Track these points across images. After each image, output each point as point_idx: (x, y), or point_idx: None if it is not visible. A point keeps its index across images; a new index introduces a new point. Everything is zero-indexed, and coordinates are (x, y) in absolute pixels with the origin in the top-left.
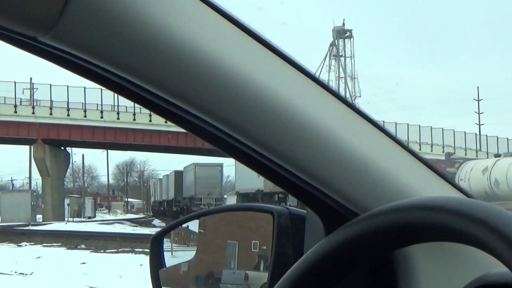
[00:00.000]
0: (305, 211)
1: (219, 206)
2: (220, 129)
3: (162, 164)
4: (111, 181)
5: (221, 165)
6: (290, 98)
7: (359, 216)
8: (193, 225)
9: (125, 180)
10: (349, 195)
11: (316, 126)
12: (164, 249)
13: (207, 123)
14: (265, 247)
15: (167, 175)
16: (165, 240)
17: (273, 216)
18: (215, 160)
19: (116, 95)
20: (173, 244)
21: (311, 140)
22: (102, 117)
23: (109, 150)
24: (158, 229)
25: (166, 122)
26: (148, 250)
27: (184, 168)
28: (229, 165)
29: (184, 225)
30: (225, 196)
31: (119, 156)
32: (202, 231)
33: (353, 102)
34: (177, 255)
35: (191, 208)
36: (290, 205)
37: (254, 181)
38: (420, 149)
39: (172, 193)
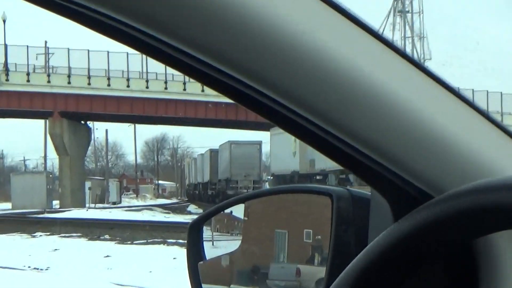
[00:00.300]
0: (369, 193)
1: (267, 188)
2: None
3: (199, 141)
4: (139, 160)
5: (259, 143)
6: (357, 63)
7: (434, 198)
8: (238, 210)
9: (156, 159)
10: (423, 174)
11: (384, 93)
12: (204, 239)
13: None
14: (319, 236)
15: (202, 154)
16: (205, 228)
17: (332, 199)
18: (256, 136)
19: (144, 59)
20: (214, 233)
21: (379, 110)
22: (128, 86)
23: (136, 125)
24: (195, 217)
25: (202, 90)
26: (182, 241)
27: (220, 146)
28: (264, 143)
29: (227, 211)
30: (270, 177)
31: (148, 132)
32: (247, 218)
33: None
34: (218, 246)
35: (227, 191)
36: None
37: (289, 162)
38: (502, 120)
39: (207, 175)
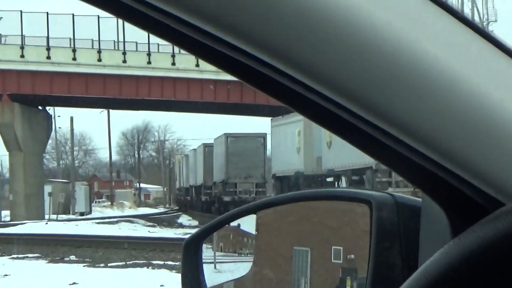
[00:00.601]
0: (419, 199)
1: (283, 195)
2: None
3: (193, 132)
4: (114, 157)
5: (263, 136)
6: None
7: (506, 205)
8: (247, 223)
9: (137, 155)
10: (493, 175)
11: (443, 72)
12: (203, 261)
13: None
14: (353, 256)
15: (195, 150)
16: (204, 246)
17: (370, 207)
18: (267, 125)
19: (120, 24)
20: (216, 253)
21: (437, 94)
22: (100, 60)
23: (111, 110)
24: (188, 231)
25: (197, 65)
26: (172, 263)
27: (214, 140)
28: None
29: (234, 223)
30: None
31: (126, 120)
32: (258, 232)
33: (487, 29)
34: (222, 269)
35: (222, 198)
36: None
37: (292, 160)
38: None
39: (200, 176)
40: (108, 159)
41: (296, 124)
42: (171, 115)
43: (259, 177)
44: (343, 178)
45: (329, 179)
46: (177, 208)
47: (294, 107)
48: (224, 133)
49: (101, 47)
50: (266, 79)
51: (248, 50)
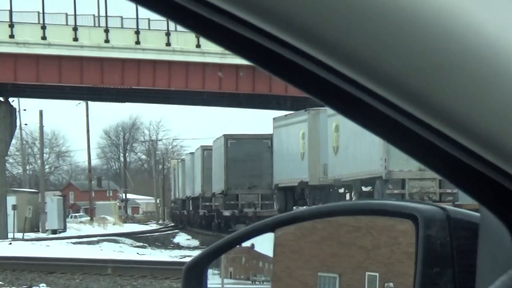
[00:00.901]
0: (478, 214)
1: (306, 209)
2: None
3: (192, 129)
4: (94, 161)
5: (270, 138)
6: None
7: None
8: (263, 243)
9: (122, 159)
10: None
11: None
12: None
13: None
14: (391, 284)
15: (192, 154)
16: (210, 272)
17: (416, 224)
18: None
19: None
20: (225, 280)
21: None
22: (76, 39)
23: (90, 103)
24: (187, 253)
25: (198, 45)
26: None
27: (213, 143)
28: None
29: (246, 243)
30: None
31: (110, 114)
32: (276, 254)
33: None
34: None
35: (221, 212)
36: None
37: (296, 168)
38: None
39: (198, 186)
40: (86, 163)
41: (299, 125)
42: (166, 108)
43: (265, 187)
44: (353, 188)
45: (340, 191)
46: (172, 224)
47: (329, 101)
48: (224, 134)
49: (78, 23)
50: (295, 69)
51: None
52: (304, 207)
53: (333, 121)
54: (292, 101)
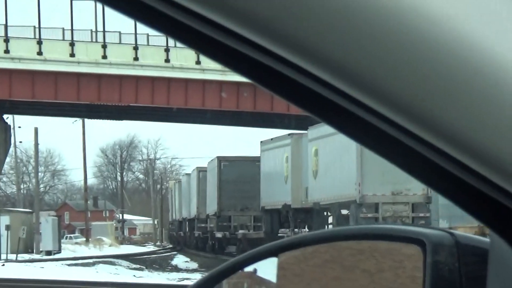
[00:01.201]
0: (487, 239)
1: (310, 233)
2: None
3: (192, 148)
4: (91, 180)
5: (257, 160)
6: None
7: None
8: (266, 268)
9: (119, 178)
10: None
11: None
12: None
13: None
14: None
15: (189, 175)
16: None
17: (424, 249)
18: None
19: (98, 6)
20: None
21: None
22: (73, 54)
23: (87, 120)
24: (186, 276)
25: (198, 62)
26: None
27: (208, 164)
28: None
29: (248, 268)
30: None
31: (107, 132)
32: (280, 280)
33: None
34: None
35: (214, 233)
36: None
37: (280, 191)
38: None
39: (194, 207)
40: (82, 182)
41: (283, 149)
42: (164, 126)
43: (258, 209)
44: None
45: (325, 212)
46: (170, 246)
47: (327, 118)
48: (217, 156)
49: (75, 38)
50: (296, 86)
51: (276, 49)
52: (301, 230)
53: (313, 145)
54: (297, 120)
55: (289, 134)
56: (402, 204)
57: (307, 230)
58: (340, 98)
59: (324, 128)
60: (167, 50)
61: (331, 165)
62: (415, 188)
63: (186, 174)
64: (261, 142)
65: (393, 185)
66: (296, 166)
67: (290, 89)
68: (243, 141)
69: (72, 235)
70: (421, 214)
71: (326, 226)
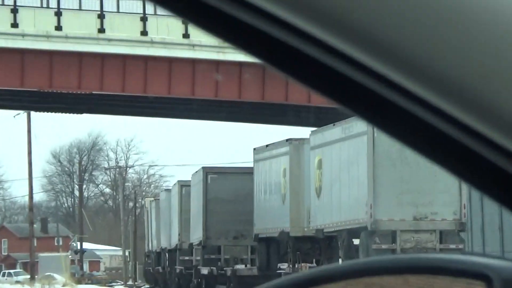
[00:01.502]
0: None
1: (334, 266)
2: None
3: (177, 153)
4: (38, 196)
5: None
6: None
7: None
8: None
9: (77, 193)
10: None
11: None
12: None
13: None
14: None
15: (169, 191)
16: None
17: (490, 286)
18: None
19: None
20: None
21: None
22: (16, 25)
23: (33, 113)
24: None
25: (186, 35)
26: None
27: (192, 177)
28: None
29: None
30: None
31: (61, 130)
32: None
33: None
34: None
35: (199, 269)
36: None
37: (277, 214)
38: None
39: (175, 234)
40: (26, 198)
41: (281, 159)
42: (140, 122)
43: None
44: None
45: (328, 241)
46: (146, 286)
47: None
48: (203, 167)
49: (18, 3)
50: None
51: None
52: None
53: (316, 154)
54: (318, 114)
55: (287, 140)
56: (427, 233)
57: (315, 264)
58: (373, 80)
59: (329, 133)
60: (144, 18)
61: (337, 180)
62: (444, 212)
63: (166, 189)
64: (254, 149)
65: (415, 208)
66: (295, 182)
67: (316, 72)
68: (244, 143)
69: (12, 271)
70: (452, 246)
71: (339, 260)
